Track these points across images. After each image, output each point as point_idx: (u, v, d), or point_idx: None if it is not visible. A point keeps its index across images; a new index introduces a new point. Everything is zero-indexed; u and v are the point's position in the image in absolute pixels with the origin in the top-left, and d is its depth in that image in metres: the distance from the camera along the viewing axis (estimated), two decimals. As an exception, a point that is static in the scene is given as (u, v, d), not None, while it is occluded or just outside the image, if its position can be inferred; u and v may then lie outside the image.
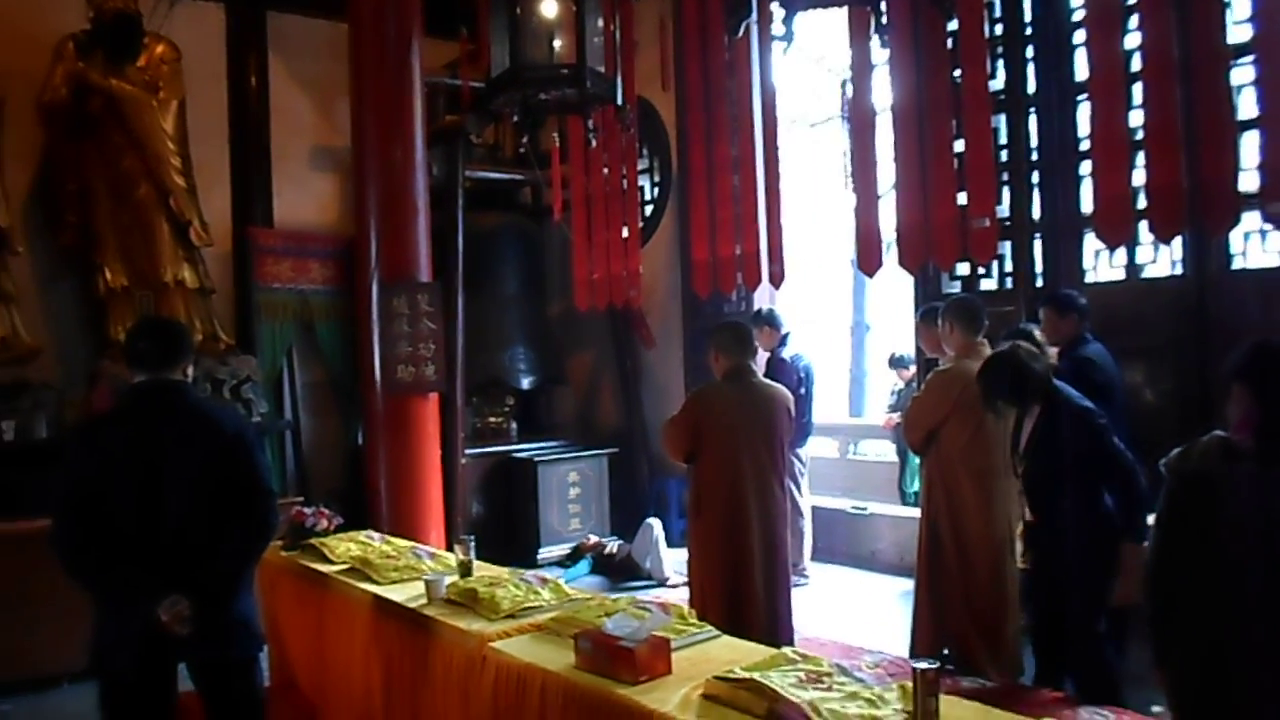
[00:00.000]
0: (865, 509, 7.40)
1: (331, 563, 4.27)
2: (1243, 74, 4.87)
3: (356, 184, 6.60)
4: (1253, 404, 2.48)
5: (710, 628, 3.02)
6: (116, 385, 6.06)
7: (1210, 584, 2.51)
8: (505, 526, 7.93)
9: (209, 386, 6.90)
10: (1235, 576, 2.48)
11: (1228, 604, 2.49)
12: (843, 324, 13.32)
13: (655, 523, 7.23)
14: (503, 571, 3.78)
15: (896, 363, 8.49)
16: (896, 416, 7.91)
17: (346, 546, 4.39)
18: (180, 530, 2.95)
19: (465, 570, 3.82)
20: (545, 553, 7.77)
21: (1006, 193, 6.02)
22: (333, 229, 8.26)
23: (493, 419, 8.62)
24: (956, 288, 6.38)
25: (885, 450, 8.76)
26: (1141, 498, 3.58)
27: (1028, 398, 3.80)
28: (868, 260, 5.99)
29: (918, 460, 7.01)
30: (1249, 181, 4.66)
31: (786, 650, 2.68)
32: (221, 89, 8.01)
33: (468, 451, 7.69)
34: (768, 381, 4.64)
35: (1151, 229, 4.82)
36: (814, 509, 7.01)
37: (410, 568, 4.00)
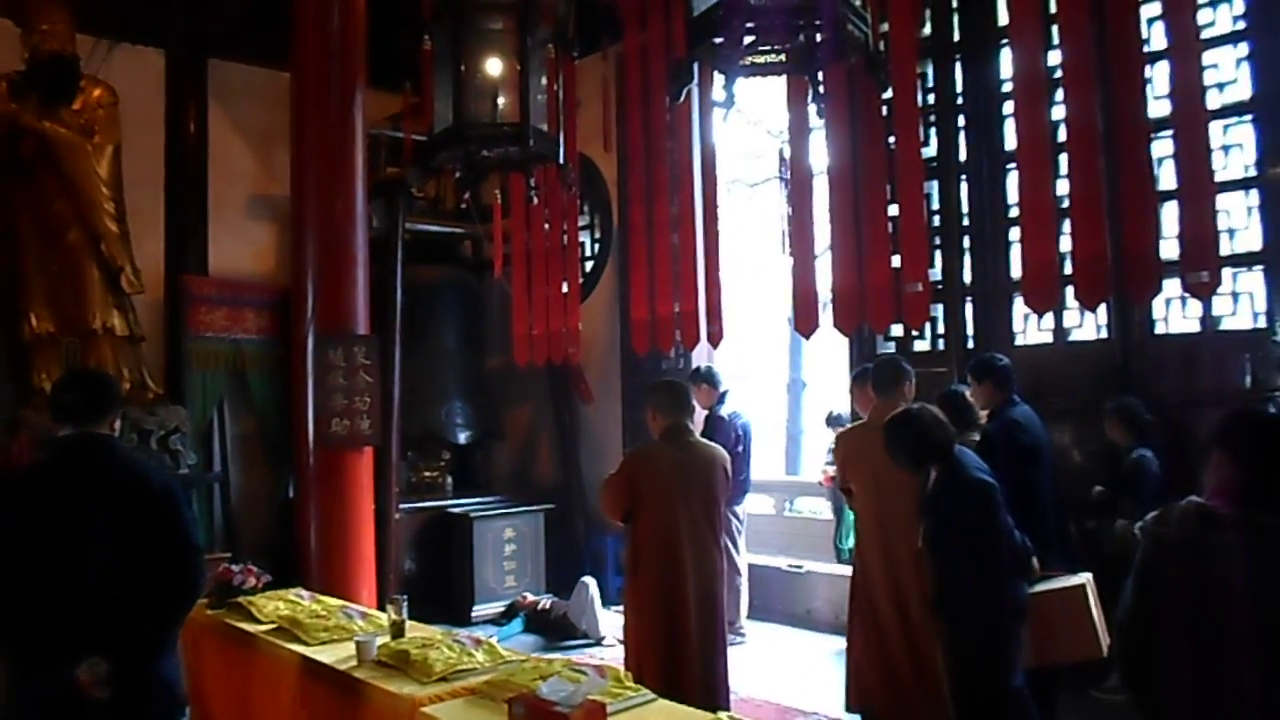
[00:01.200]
0: (801, 567, 7.42)
1: (259, 622, 4.18)
2: (1163, 147, 5.07)
3: (295, 233, 6.56)
4: (1233, 471, 2.49)
5: (646, 691, 3.00)
6: (39, 435, 5.90)
7: (1195, 650, 2.50)
8: (439, 584, 7.85)
9: (136, 437, 6.73)
10: (1224, 644, 2.47)
11: (1216, 670, 2.47)
12: (779, 381, 13.39)
13: (591, 581, 7.21)
14: (436, 632, 3.74)
15: (833, 421, 8.49)
16: (832, 471, 7.95)
17: (275, 605, 4.32)
18: (101, 588, 2.87)
19: (397, 631, 3.76)
20: (480, 610, 7.69)
21: (939, 257, 6.15)
22: (269, 278, 8.16)
23: (428, 473, 8.54)
24: (891, 348, 6.50)
25: (821, 507, 8.79)
26: (997, 570, 3.56)
27: (925, 460, 3.78)
28: (804, 321, 6.10)
29: (853, 517, 7.03)
30: (1170, 250, 4.80)
31: (723, 716, 2.65)
32: (159, 135, 7.93)
33: (402, 506, 7.62)
34: (705, 441, 4.66)
35: (1077, 296, 4.94)
36: (751, 567, 7.00)
37: (340, 628, 3.94)
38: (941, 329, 6.21)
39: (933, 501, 3.74)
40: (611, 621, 6.90)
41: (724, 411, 6.82)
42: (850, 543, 7.49)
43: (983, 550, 3.56)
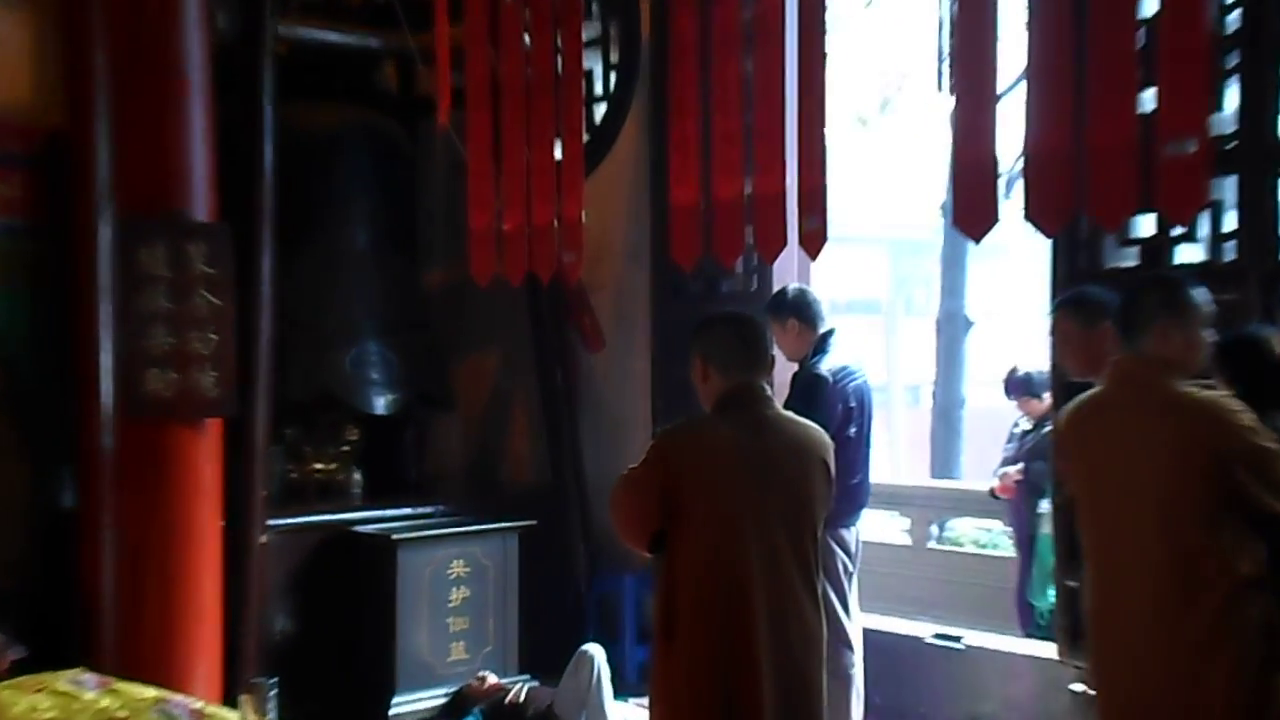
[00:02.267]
0: (959, 639, 7.41)
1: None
2: None
3: (72, 37, 6.46)
4: None
5: None
6: None
7: None
8: (336, 656, 7.86)
9: None
10: None
11: None
12: (920, 320, 13.54)
13: (597, 652, 7.27)
14: None
15: (1018, 385, 8.46)
16: (1015, 474, 7.97)
17: (31, 704, 4.39)
18: None
19: None
20: (405, 705, 7.67)
21: (1231, 95, 5.94)
22: (23, 115, 7.81)
23: (321, 466, 8.59)
24: (1130, 260, 6.34)
25: (994, 535, 8.74)
26: None
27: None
28: (974, 210, 5.98)
29: (1050, 557, 6.86)
30: None
31: None
32: None
33: (274, 523, 7.53)
34: (792, 417, 4.76)
35: None
36: (868, 636, 6.97)
37: None
38: (1231, 223, 5.97)
39: None
40: None
41: (826, 367, 6.73)
42: (1050, 598, 7.75)
43: None
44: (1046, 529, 7.66)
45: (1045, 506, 7.59)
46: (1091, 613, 4.67)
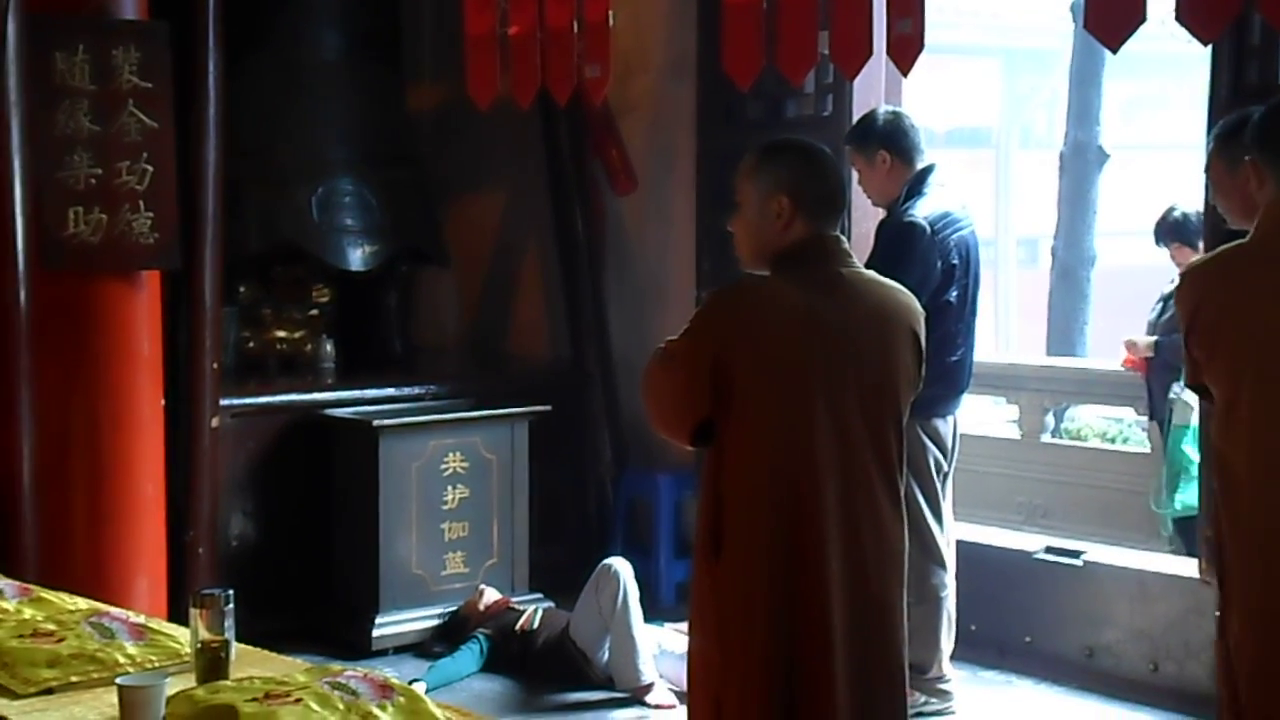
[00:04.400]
0: (1078, 555, 7.45)
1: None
2: None
3: None
4: None
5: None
6: None
7: None
8: (305, 567, 8.03)
9: None
10: None
11: None
12: (1042, 153, 13.42)
13: (623, 567, 7.32)
14: (294, 670, 3.78)
15: (1172, 230, 8.37)
16: (1142, 344, 8.01)
17: None
18: None
19: (211, 665, 3.76)
20: (390, 625, 7.83)
21: None
22: None
23: (284, 333, 8.76)
24: None
25: (1126, 427, 8.74)
26: None
27: None
28: (1113, 11, 5.97)
29: (1182, 454, 6.88)
30: None
31: None
32: None
33: (228, 403, 7.65)
34: (874, 277, 4.71)
35: None
36: (966, 550, 7.08)
37: (89, 658, 3.95)
38: None
39: None
40: (668, 654, 7.05)
41: (922, 214, 6.71)
42: (1179, 506, 8.02)
43: None
44: (1183, 418, 7.70)
45: (1180, 390, 7.58)
46: (1253, 532, 4.49)
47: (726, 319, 4.53)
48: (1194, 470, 7.50)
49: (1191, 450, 7.55)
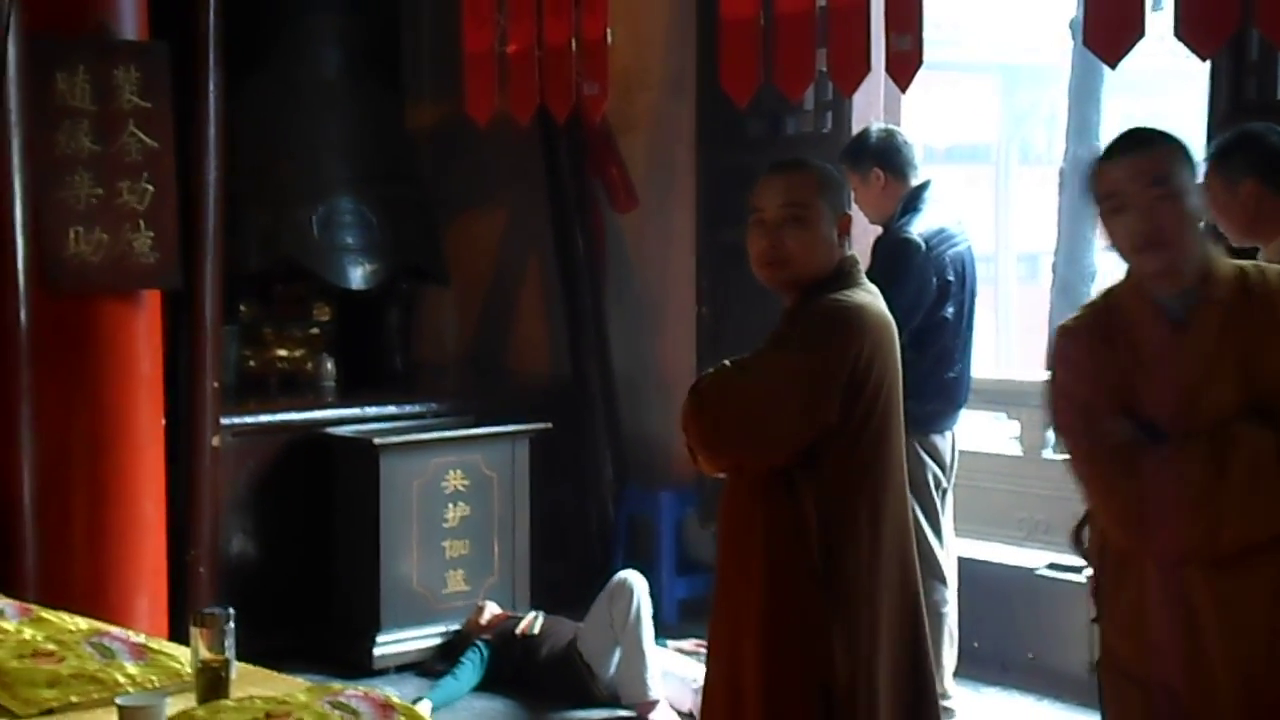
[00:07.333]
0: (1080, 570, 7.19)
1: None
2: None
3: None
4: None
5: None
6: None
7: None
8: (306, 586, 8.08)
9: None
10: None
11: None
12: (1040, 168, 13.48)
13: (638, 581, 7.35)
14: (295, 689, 3.80)
15: None
16: None
17: None
18: None
19: (211, 684, 3.77)
20: (391, 643, 7.85)
21: None
22: None
23: (284, 352, 8.83)
24: None
25: None
26: None
27: None
28: (1112, 27, 6.01)
29: None
30: None
31: None
32: None
33: (227, 421, 7.64)
34: (873, 291, 4.70)
35: None
36: (965, 565, 7.09)
37: (90, 678, 3.98)
38: None
39: None
40: (675, 671, 7.10)
41: (918, 230, 6.70)
42: None
43: None
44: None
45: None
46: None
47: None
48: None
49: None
